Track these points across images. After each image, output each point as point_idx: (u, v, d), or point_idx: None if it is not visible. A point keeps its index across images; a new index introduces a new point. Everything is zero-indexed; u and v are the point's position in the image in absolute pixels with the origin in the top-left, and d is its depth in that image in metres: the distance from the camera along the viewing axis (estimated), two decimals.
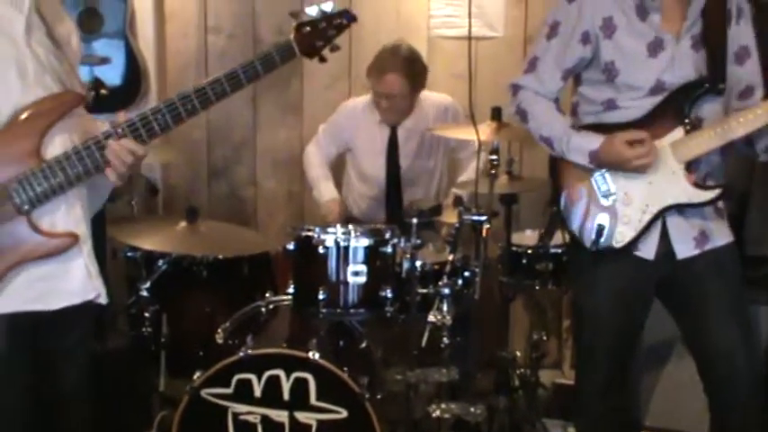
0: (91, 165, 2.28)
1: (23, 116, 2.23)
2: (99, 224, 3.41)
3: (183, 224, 3.83)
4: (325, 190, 4.46)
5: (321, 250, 3.38)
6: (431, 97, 4.47)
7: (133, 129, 2.29)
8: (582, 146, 2.83)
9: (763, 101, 2.75)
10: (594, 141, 2.80)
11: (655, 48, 2.78)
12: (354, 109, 4.50)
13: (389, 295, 3.39)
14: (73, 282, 2.34)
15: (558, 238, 3.55)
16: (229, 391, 3.23)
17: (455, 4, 4.84)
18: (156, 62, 4.92)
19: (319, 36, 2.42)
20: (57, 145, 2.30)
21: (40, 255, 2.26)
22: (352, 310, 3.41)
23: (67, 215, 2.32)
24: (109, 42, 4.64)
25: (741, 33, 2.82)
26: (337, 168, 4.66)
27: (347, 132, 4.51)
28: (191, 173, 4.95)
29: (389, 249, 3.43)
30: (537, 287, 4.00)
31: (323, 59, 2.45)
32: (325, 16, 2.41)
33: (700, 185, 2.79)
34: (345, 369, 3.19)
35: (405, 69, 4.22)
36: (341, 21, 2.43)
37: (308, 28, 2.41)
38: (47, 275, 2.29)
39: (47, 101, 2.27)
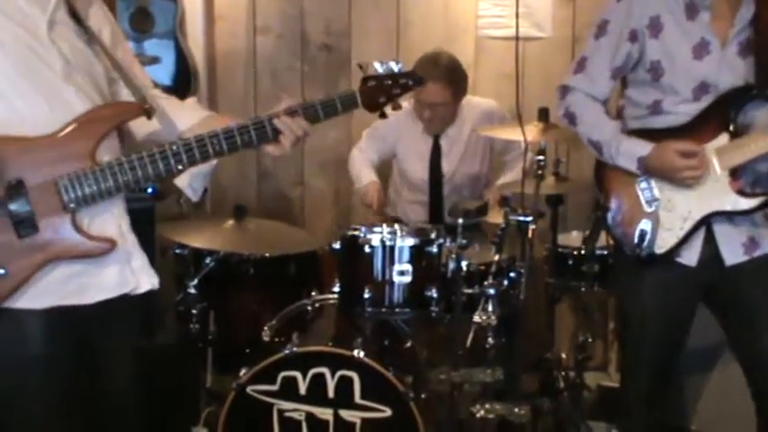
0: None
1: (82, 121, 2.26)
2: (148, 221, 3.49)
3: (230, 222, 3.87)
4: (365, 176, 4.49)
5: (367, 249, 3.41)
6: (474, 102, 4.48)
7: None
8: (631, 151, 2.82)
9: None
10: (645, 147, 2.79)
11: (700, 50, 2.76)
12: (397, 116, 4.49)
13: (435, 295, 3.41)
14: (108, 276, 2.36)
15: (603, 240, 3.53)
16: (275, 388, 3.28)
17: (502, 4, 4.84)
18: (205, 62, 4.97)
19: (383, 93, 2.47)
20: (108, 151, 2.33)
21: (77, 254, 2.28)
22: (397, 310, 3.43)
23: (109, 218, 2.35)
24: (159, 42, 4.70)
25: None
26: (383, 173, 4.67)
27: (390, 140, 4.54)
28: (239, 173, 4.99)
29: (435, 249, 3.45)
30: (583, 289, 3.99)
31: (383, 115, 2.51)
32: (391, 75, 2.47)
33: (744, 193, 2.77)
34: (390, 368, 3.22)
35: (446, 78, 4.23)
36: (407, 81, 2.49)
37: (374, 83, 2.46)
38: (82, 271, 2.31)
39: (106, 108, 2.32)
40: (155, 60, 4.62)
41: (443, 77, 4.21)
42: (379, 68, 2.47)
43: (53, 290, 2.28)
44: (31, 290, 2.25)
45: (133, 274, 2.40)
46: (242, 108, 4.98)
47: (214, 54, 5.06)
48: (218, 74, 5.08)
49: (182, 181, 2.63)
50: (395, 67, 2.48)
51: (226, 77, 5.08)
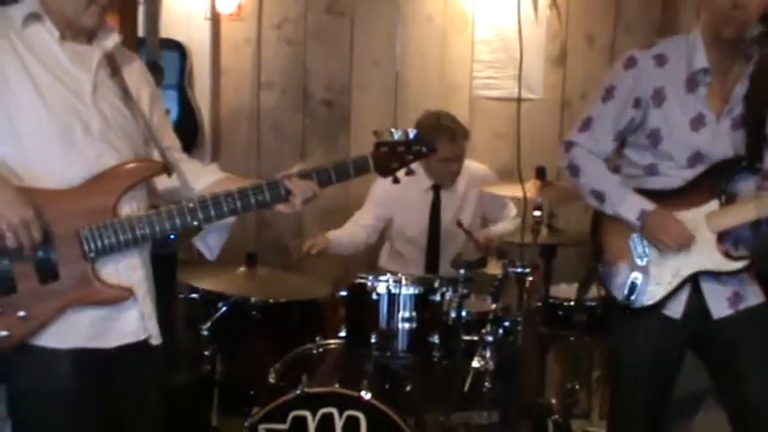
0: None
1: (106, 175, 2.41)
2: (169, 266, 3.66)
3: (242, 269, 4.05)
4: (329, 233, 4.61)
5: (374, 297, 3.60)
6: (473, 168, 4.69)
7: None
8: (636, 204, 3.01)
9: None
10: (649, 204, 3.00)
11: (697, 123, 2.98)
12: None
13: (437, 341, 3.60)
14: (128, 323, 2.50)
15: (594, 291, 3.74)
16: (285, 426, 3.40)
17: (496, 66, 5.10)
18: (210, 115, 5.18)
19: (396, 158, 2.58)
20: (130, 206, 2.47)
21: (95, 301, 2.42)
22: (401, 354, 3.61)
23: (127, 266, 2.48)
24: (165, 94, 4.88)
25: None
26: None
27: (390, 202, 4.65)
28: (240, 223, 5.09)
29: (438, 298, 3.64)
30: (572, 338, 4.20)
31: (396, 180, 2.62)
32: (405, 141, 2.57)
33: (729, 256, 2.98)
34: (394, 410, 3.39)
35: (464, 132, 4.47)
36: (420, 148, 2.60)
37: (387, 149, 2.57)
38: (106, 316, 2.46)
39: (131, 164, 2.46)
40: (166, 112, 4.81)
41: (463, 131, 4.45)
42: (393, 135, 2.57)
43: (79, 331, 2.42)
44: (59, 329, 2.40)
45: (147, 323, 2.54)
46: (245, 159, 5.19)
47: (219, 107, 5.27)
48: (222, 126, 5.29)
49: (198, 241, 2.77)
50: (410, 134, 2.58)
51: (229, 130, 5.29)
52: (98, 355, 2.46)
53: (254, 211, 2.55)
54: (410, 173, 2.62)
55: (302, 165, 2.56)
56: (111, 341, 2.48)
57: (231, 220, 2.64)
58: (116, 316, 2.48)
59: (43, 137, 2.38)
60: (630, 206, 3.02)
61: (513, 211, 4.69)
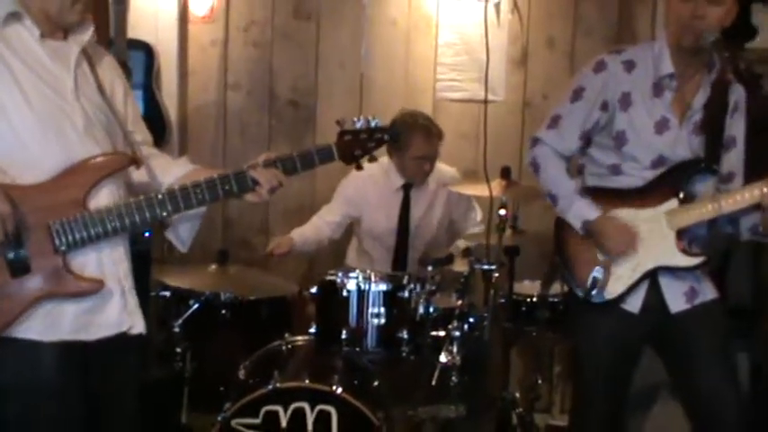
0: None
1: (76, 169, 2.45)
2: (143, 264, 3.71)
3: (213, 266, 4.11)
4: (293, 232, 4.68)
5: (344, 293, 3.69)
6: (442, 172, 4.78)
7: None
8: (580, 213, 3.15)
9: (751, 184, 3.06)
10: (593, 213, 3.13)
11: (661, 126, 3.11)
12: (364, 179, 4.67)
13: (405, 336, 3.69)
14: (110, 315, 2.54)
15: (556, 287, 3.86)
16: (257, 421, 3.49)
17: (459, 69, 5.20)
18: (177, 115, 5.23)
19: (359, 146, 2.65)
20: (102, 198, 2.51)
21: (67, 293, 2.45)
22: (371, 350, 3.71)
23: (101, 259, 2.52)
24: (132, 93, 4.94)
25: (733, 125, 3.15)
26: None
27: (357, 200, 4.74)
28: (205, 220, 5.18)
29: (406, 294, 3.74)
30: (535, 333, 4.32)
31: (359, 167, 2.69)
32: (368, 129, 2.64)
33: (687, 252, 3.11)
34: (365, 403, 3.48)
35: (439, 132, 4.57)
36: (381, 136, 2.67)
37: (350, 137, 2.64)
38: (89, 309, 2.49)
39: (98, 158, 2.49)
40: None
41: (438, 132, 4.55)
42: (355, 123, 2.64)
43: (63, 324, 2.46)
44: (43, 322, 2.44)
45: (129, 314, 2.58)
46: (211, 159, 5.24)
47: (186, 107, 5.31)
48: (189, 126, 5.33)
49: (170, 233, 2.82)
50: (371, 122, 2.65)
51: (197, 130, 5.35)
52: (81, 348, 2.49)
53: (221, 201, 2.62)
54: (373, 159, 2.69)
55: (268, 154, 2.62)
56: (95, 333, 2.52)
57: (201, 211, 2.69)
58: (99, 308, 2.51)
59: (28, 134, 2.41)
60: (575, 214, 3.15)
61: (478, 215, 4.79)
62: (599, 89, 3.17)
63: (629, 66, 3.15)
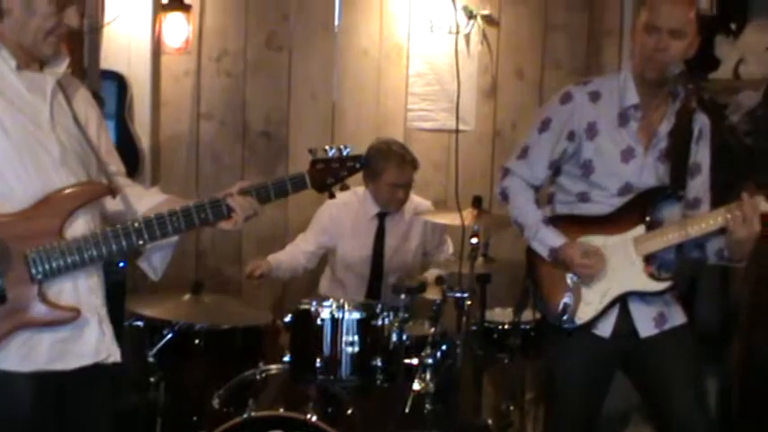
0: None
1: (52, 198, 2.46)
2: (119, 294, 3.72)
3: (187, 296, 4.12)
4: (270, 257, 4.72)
5: (318, 322, 3.72)
6: (416, 202, 4.82)
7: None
8: (546, 241, 3.22)
9: (715, 210, 3.12)
10: (558, 240, 3.20)
11: (627, 155, 3.19)
12: (338, 209, 4.74)
13: (379, 365, 3.72)
14: (87, 344, 2.54)
15: (528, 314, 3.90)
16: None
17: (430, 98, 5.28)
18: (150, 145, 5.24)
19: (331, 174, 2.67)
20: (78, 227, 2.52)
21: (43, 322, 2.46)
22: (345, 378, 3.73)
23: (77, 288, 2.52)
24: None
25: (698, 152, 3.23)
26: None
27: (332, 230, 4.78)
28: (179, 251, 5.18)
29: (380, 322, 3.77)
30: (506, 360, 4.35)
31: (332, 195, 2.71)
32: (340, 158, 2.67)
33: (655, 277, 3.17)
34: (340, 431, 3.50)
35: (413, 160, 4.62)
36: (354, 164, 2.69)
37: (322, 165, 2.66)
38: (65, 338, 2.50)
39: (74, 187, 2.50)
40: None
41: (413, 160, 4.60)
42: (328, 152, 2.66)
43: (39, 354, 2.46)
44: (19, 352, 2.43)
45: (106, 343, 2.59)
46: (184, 189, 5.24)
47: (159, 138, 5.32)
48: (162, 156, 5.35)
49: (143, 261, 2.84)
50: (343, 151, 2.67)
51: (169, 160, 5.36)
52: (57, 378, 2.50)
53: (197, 229, 2.62)
54: (345, 188, 2.72)
55: (242, 183, 2.64)
56: (71, 363, 2.52)
57: (174, 239, 2.70)
58: (75, 337, 2.52)
59: (5, 164, 2.42)
60: (541, 242, 3.23)
61: (450, 249, 4.84)
62: (565, 119, 3.25)
63: (595, 96, 3.24)
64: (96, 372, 2.58)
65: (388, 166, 4.53)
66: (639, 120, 3.21)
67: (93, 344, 2.56)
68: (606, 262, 3.17)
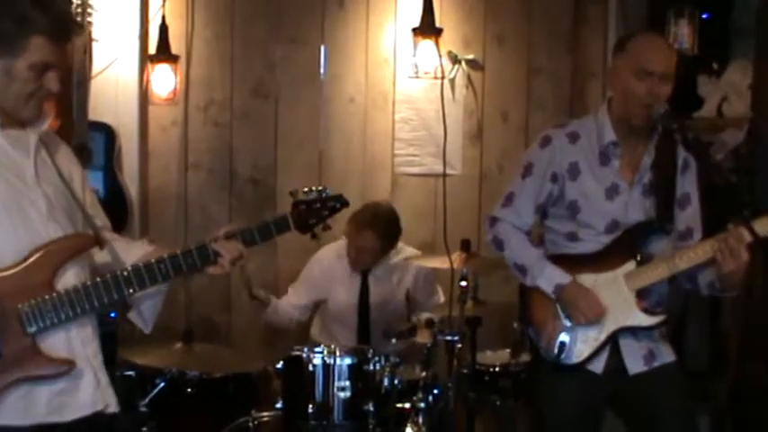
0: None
1: (41, 252, 2.47)
2: (110, 344, 3.71)
3: (178, 345, 4.13)
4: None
5: (310, 368, 3.72)
6: (406, 250, 4.85)
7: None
8: (551, 278, 3.23)
9: (703, 241, 3.16)
10: (564, 278, 3.22)
11: (611, 192, 3.24)
12: (329, 260, 4.83)
13: (372, 409, 3.71)
14: (84, 395, 2.54)
15: (526, 357, 3.92)
16: None
17: (417, 144, 5.32)
18: (138, 195, 5.25)
19: (313, 215, 2.69)
20: (69, 280, 2.53)
21: (38, 376, 2.46)
22: (338, 423, 3.71)
23: (70, 340, 2.52)
24: (93, 174, 4.94)
25: (685, 183, 3.28)
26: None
27: (322, 283, 4.83)
28: (169, 300, 5.18)
29: (371, 367, 3.77)
30: (498, 402, 4.36)
31: (314, 236, 2.74)
32: (320, 198, 2.70)
33: (648, 311, 3.20)
34: None
35: (381, 230, 4.61)
36: (334, 204, 2.72)
37: (304, 206, 2.69)
38: (62, 390, 2.49)
39: (62, 240, 2.52)
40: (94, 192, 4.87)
41: (377, 228, 4.59)
42: (308, 194, 2.69)
43: (38, 407, 2.46)
44: (17, 406, 2.43)
45: (102, 393, 2.59)
46: (173, 238, 5.23)
47: (147, 188, 5.32)
48: (150, 206, 5.33)
49: (133, 314, 2.85)
50: (323, 192, 2.71)
51: (158, 210, 5.35)
52: (55, 431, 2.49)
53: (185, 275, 2.63)
54: (326, 228, 2.74)
55: (228, 227, 2.67)
56: (69, 415, 2.52)
57: (163, 289, 2.72)
58: (72, 389, 2.52)
59: None
60: (548, 279, 3.24)
61: (441, 299, 4.84)
62: (547, 162, 3.30)
63: (573, 137, 3.29)
64: (94, 422, 2.57)
65: (350, 228, 4.58)
66: (620, 156, 3.25)
67: (91, 394, 2.56)
68: (605, 308, 3.19)
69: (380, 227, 4.61)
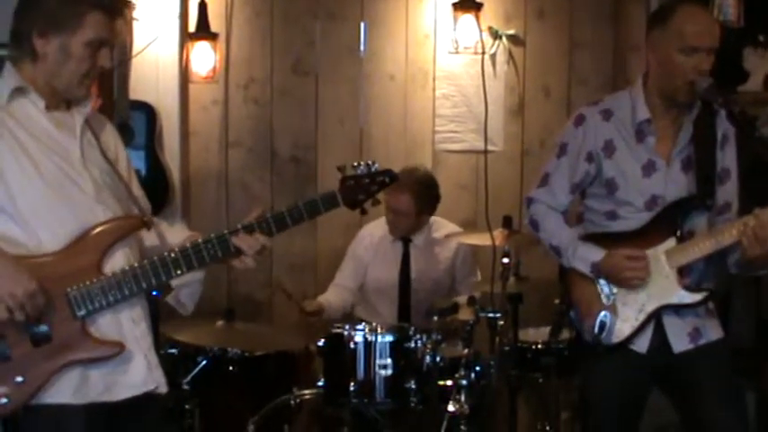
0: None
1: (89, 235, 2.50)
2: (153, 320, 3.73)
3: (220, 323, 4.16)
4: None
5: (351, 345, 3.72)
6: (449, 227, 4.83)
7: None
8: (586, 256, 3.20)
9: (741, 219, 3.07)
10: (598, 254, 3.17)
11: (648, 169, 3.19)
12: (372, 237, 4.85)
13: (413, 387, 3.71)
14: (134, 375, 2.57)
15: (565, 334, 3.88)
16: None
17: (457, 120, 5.29)
18: (179, 175, 5.27)
19: (362, 190, 2.66)
20: (117, 262, 2.55)
21: (88, 358, 2.49)
22: (379, 401, 3.72)
23: (120, 321, 2.55)
24: (136, 154, 4.97)
25: (725, 157, 3.22)
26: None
27: (366, 257, 4.84)
28: (211, 275, 5.22)
29: (413, 345, 3.77)
30: (541, 380, 4.34)
31: (364, 211, 2.71)
32: (369, 173, 2.66)
33: (690, 288, 3.15)
34: None
35: (414, 190, 4.56)
36: (383, 179, 2.69)
37: (353, 182, 2.65)
38: (113, 370, 2.52)
39: (110, 222, 2.54)
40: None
41: (411, 188, 4.54)
42: (356, 169, 2.66)
43: (90, 386, 2.49)
44: (70, 385, 2.47)
45: (153, 373, 2.62)
46: (214, 217, 5.27)
47: (188, 167, 5.34)
48: (191, 185, 5.36)
49: (172, 299, 2.84)
50: (372, 167, 2.68)
51: (199, 189, 5.38)
52: (107, 410, 2.52)
53: (233, 256, 2.61)
54: (376, 202, 2.71)
55: (259, 210, 2.64)
56: (121, 394, 2.54)
57: (200, 276, 2.74)
58: (123, 369, 2.54)
59: (42, 205, 2.47)
60: (582, 260, 3.20)
61: (478, 278, 4.81)
62: (581, 141, 3.26)
63: (607, 114, 3.25)
64: (145, 402, 2.60)
65: (387, 191, 4.51)
66: (655, 133, 3.20)
67: (142, 374, 2.59)
68: (649, 260, 3.13)
69: (416, 188, 4.57)
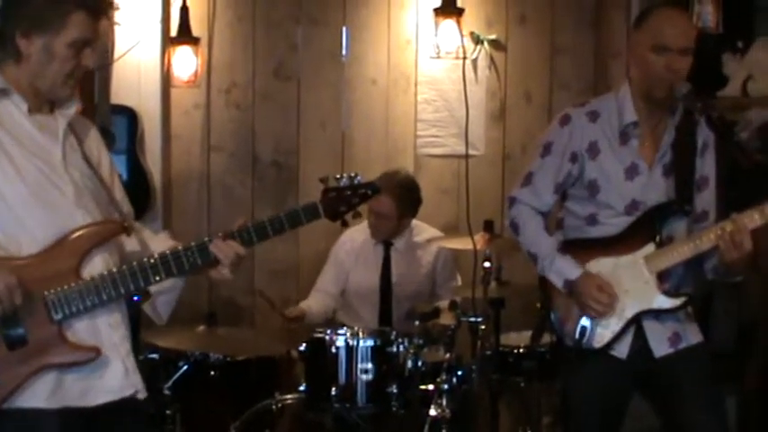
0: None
1: (68, 239, 2.47)
2: (134, 325, 3.72)
3: (201, 328, 4.14)
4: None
5: (333, 350, 3.72)
6: (429, 231, 4.84)
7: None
8: (561, 271, 3.19)
9: (720, 223, 3.10)
10: (574, 271, 3.17)
11: (631, 172, 3.19)
12: (353, 242, 4.85)
13: (395, 391, 3.72)
14: (111, 380, 2.53)
15: (546, 339, 3.89)
16: None
17: (439, 125, 5.31)
18: (161, 178, 5.25)
19: (344, 203, 2.62)
20: (96, 266, 2.52)
21: (64, 363, 2.46)
22: (361, 406, 3.72)
23: (97, 326, 2.52)
24: (116, 158, 4.93)
25: (704, 165, 3.23)
26: None
27: (347, 263, 4.84)
28: (192, 280, 5.19)
29: (394, 349, 3.77)
30: (522, 384, 4.35)
31: (345, 224, 2.70)
32: (351, 186, 2.63)
33: (669, 293, 3.16)
34: None
35: (397, 193, 4.57)
36: (365, 191, 2.65)
37: (335, 194, 2.62)
38: (89, 375, 2.49)
39: (89, 227, 2.51)
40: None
41: (393, 191, 4.52)
42: (339, 181, 2.64)
43: (66, 390, 2.46)
44: (45, 389, 2.43)
45: (130, 379, 2.58)
46: (196, 222, 5.28)
47: (170, 171, 5.32)
48: (173, 189, 5.34)
49: (148, 307, 2.82)
50: (354, 179, 2.65)
51: (180, 193, 5.36)
52: (84, 415, 2.49)
53: (212, 264, 2.58)
54: (357, 215, 2.70)
55: (241, 220, 2.61)
56: (97, 399, 2.51)
57: (180, 285, 2.71)
58: (100, 373, 2.51)
59: (21, 207, 2.45)
60: (558, 274, 3.20)
61: (458, 283, 4.82)
62: (566, 141, 3.26)
63: (593, 116, 3.25)
64: (124, 407, 2.57)
65: None
66: (640, 137, 3.21)
67: (119, 380, 2.56)
68: (619, 284, 3.15)
69: (398, 191, 4.57)
